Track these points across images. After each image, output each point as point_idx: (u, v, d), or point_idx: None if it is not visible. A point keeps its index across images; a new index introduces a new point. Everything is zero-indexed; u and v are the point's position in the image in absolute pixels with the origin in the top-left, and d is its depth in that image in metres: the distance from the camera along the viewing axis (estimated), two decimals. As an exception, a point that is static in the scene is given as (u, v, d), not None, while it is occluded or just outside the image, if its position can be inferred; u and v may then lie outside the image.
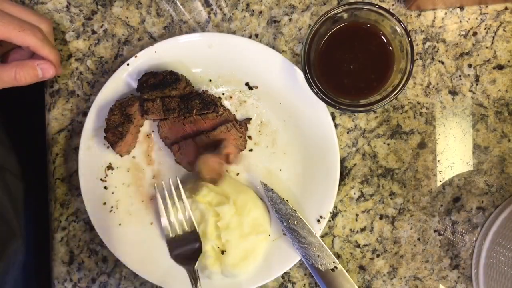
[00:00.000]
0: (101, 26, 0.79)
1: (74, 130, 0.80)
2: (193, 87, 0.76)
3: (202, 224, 0.73)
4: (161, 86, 0.73)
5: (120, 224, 0.77)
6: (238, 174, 0.78)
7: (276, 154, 0.78)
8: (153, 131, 0.78)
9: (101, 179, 0.77)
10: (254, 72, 0.76)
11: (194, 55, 0.76)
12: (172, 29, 0.79)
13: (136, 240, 0.77)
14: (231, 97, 0.78)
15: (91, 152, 0.76)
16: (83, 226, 0.80)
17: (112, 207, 0.77)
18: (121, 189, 0.78)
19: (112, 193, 0.77)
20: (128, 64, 0.75)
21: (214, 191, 0.74)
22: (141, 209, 0.78)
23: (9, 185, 0.81)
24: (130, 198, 0.78)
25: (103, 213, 0.77)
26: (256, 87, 0.77)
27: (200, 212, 0.74)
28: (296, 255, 0.76)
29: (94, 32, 0.80)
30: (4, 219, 0.79)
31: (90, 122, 0.76)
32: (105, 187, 0.77)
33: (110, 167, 0.77)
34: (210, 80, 0.77)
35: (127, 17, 0.79)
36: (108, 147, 0.76)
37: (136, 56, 0.75)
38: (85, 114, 0.78)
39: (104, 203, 0.77)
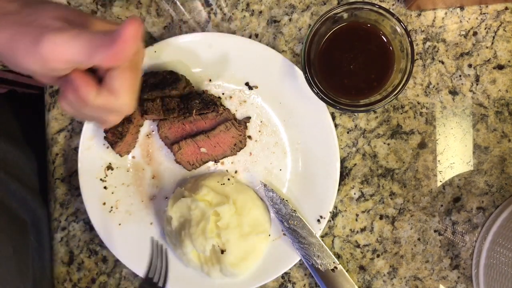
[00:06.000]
0: (101, 26, 0.79)
1: (74, 130, 0.80)
2: (193, 87, 0.76)
3: (202, 223, 0.73)
4: (161, 86, 0.73)
5: (120, 224, 0.77)
6: (236, 171, 0.78)
7: (276, 154, 0.78)
8: (153, 131, 0.78)
9: (101, 179, 0.77)
10: (254, 72, 0.76)
11: (194, 55, 0.76)
12: (172, 29, 0.79)
13: (136, 240, 0.77)
14: (231, 97, 0.78)
15: (91, 152, 0.76)
16: (83, 226, 0.80)
17: (112, 207, 0.77)
18: (121, 189, 0.78)
19: (112, 193, 0.77)
20: (128, 64, 0.75)
21: (214, 191, 0.74)
22: (141, 209, 0.78)
23: (25, 198, 0.80)
24: (130, 198, 0.78)
25: (103, 213, 0.77)
26: (256, 87, 0.77)
27: (200, 211, 0.74)
28: (296, 255, 0.76)
29: (94, 32, 0.79)
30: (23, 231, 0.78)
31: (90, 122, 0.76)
32: (105, 187, 0.77)
33: (110, 167, 0.77)
34: (210, 80, 0.77)
35: (127, 17, 0.79)
36: (108, 147, 0.76)
37: (136, 56, 0.75)
38: (85, 114, 0.78)
39: (104, 203, 0.77)
